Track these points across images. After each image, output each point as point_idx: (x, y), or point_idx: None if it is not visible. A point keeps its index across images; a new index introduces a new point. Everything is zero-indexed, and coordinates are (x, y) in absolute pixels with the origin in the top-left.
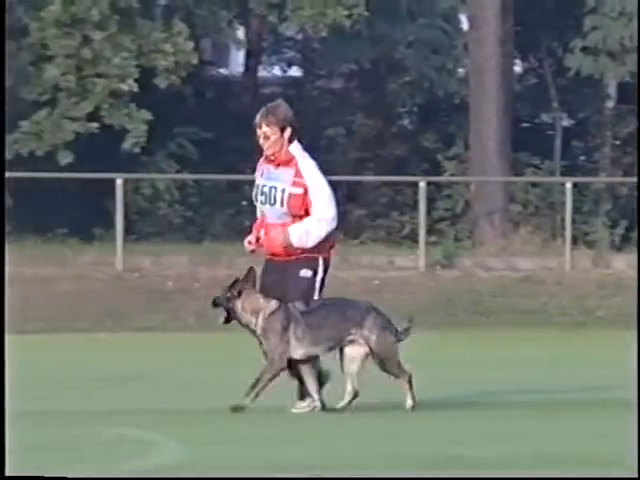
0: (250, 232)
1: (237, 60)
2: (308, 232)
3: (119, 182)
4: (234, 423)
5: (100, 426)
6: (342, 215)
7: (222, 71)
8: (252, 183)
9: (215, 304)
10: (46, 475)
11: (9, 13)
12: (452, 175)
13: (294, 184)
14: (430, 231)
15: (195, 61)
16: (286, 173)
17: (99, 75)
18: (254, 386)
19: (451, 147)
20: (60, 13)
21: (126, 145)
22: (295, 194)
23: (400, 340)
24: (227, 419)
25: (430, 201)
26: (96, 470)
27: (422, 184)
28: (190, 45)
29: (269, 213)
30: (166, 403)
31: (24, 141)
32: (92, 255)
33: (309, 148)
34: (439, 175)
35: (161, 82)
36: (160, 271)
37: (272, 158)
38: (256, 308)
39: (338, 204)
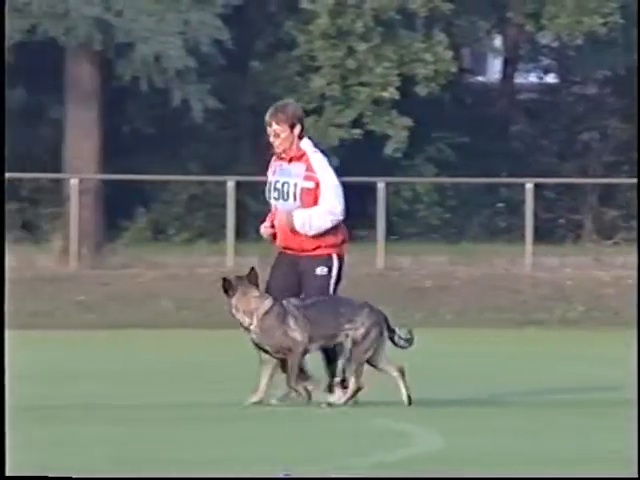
0: (264, 220)
1: (494, 68)
2: (312, 219)
3: (381, 185)
4: (492, 414)
5: (364, 418)
6: (597, 216)
7: (480, 78)
8: (509, 186)
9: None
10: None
11: (278, 27)
12: None
13: (306, 178)
14: None
15: (454, 69)
16: (298, 168)
17: (362, 84)
18: (288, 379)
19: None
20: (327, 26)
21: (387, 150)
22: (307, 188)
23: (394, 343)
24: (483, 410)
25: None
26: (366, 462)
27: None
28: (449, 54)
29: (283, 209)
30: (424, 395)
31: None
32: (355, 255)
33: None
34: None
35: (421, 90)
36: (419, 270)
37: (283, 155)
38: (249, 309)
39: (346, 200)
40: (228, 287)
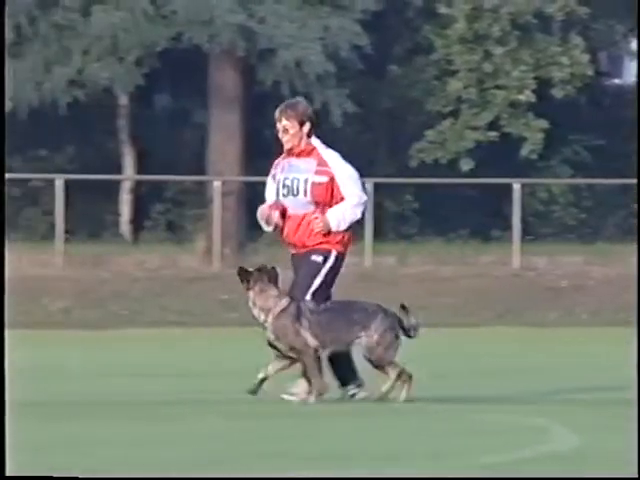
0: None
1: (631, 70)
2: (345, 215)
3: (516, 187)
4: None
5: (492, 414)
6: None
7: (616, 81)
8: None
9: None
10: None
11: (416, 32)
12: None
13: (318, 172)
14: None
15: (590, 72)
16: (308, 163)
17: (499, 87)
18: (309, 383)
19: None
20: (464, 30)
21: (523, 152)
22: (319, 182)
23: (408, 335)
24: (619, 410)
25: None
26: (508, 458)
27: None
28: (586, 57)
29: (292, 205)
30: (560, 393)
31: (429, 150)
32: (491, 255)
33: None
34: None
35: (557, 92)
36: (555, 270)
37: (293, 151)
38: (266, 306)
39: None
40: (246, 278)
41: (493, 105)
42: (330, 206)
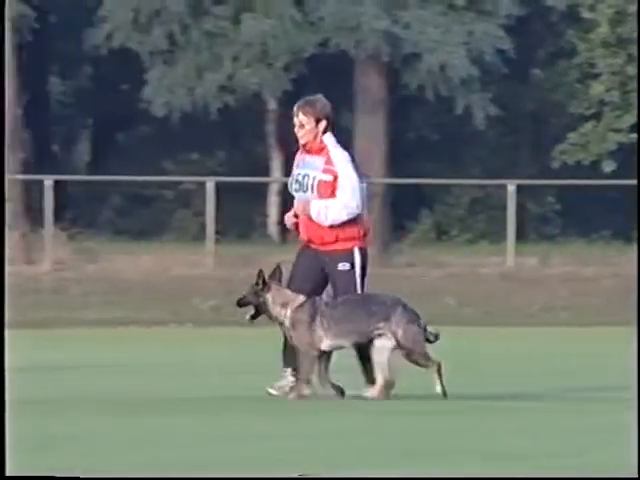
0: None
1: None
2: (328, 210)
3: None
4: None
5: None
6: None
7: None
8: None
9: (241, 304)
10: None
11: (559, 36)
12: None
13: (324, 171)
14: None
15: None
16: (318, 161)
17: None
18: (298, 379)
19: None
20: (607, 34)
21: None
22: (325, 181)
23: (427, 340)
24: None
25: None
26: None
27: None
28: None
29: (300, 198)
30: None
31: (571, 151)
32: (633, 256)
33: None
34: None
35: None
36: None
37: (307, 148)
38: (285, 301)
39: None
40: (263, 279)
41: (635, 107)
42: None
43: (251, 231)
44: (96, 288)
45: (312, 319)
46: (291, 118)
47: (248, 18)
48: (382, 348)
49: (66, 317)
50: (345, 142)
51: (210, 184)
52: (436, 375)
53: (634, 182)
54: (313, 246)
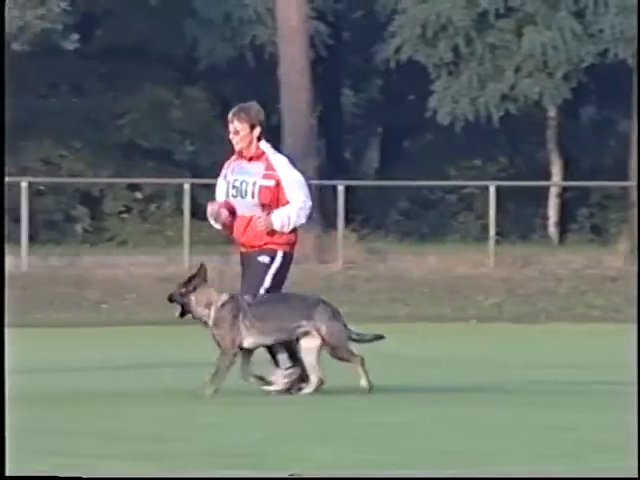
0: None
1: None
2: (290, 217)
3: None
4: None
5: None
6: None
7: None
8: None
9: (170, 300)
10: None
11: None
12: None
13: (265, 177)
14: None
15: None
16: (257, 167)
17: None
18: (214, 375)
19: None
20: None
21: None
22: (266, 186)
23: (351, 338)
24: None
25: None
26: None
27: None
28: None
29: (240, 206)
30: None
31: None
32: None
33: None
34: None
35: None
36: None
37: (243, 154)
38: (209, 301)
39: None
40: (190, 280)
41: None
42: (277, 208)
43: (530, 232)
44: (384, 286)
45: (235, 317)
46: (570, 124)
47: (530, 31)
48: (310, 348)
49: (355, 313)
50: (275, 145)
51: (492, 188)
52: (361, 369)
53: None
54: (243, 250)
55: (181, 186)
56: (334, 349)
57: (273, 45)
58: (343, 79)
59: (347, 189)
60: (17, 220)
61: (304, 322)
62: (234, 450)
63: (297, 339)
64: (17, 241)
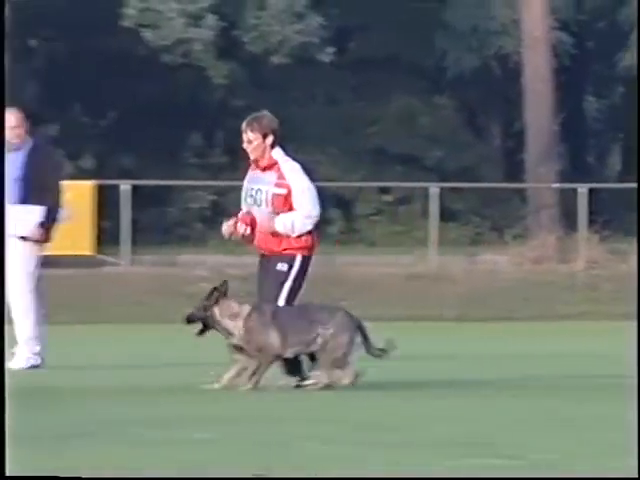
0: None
1: None
2: (293, 223)
3: None
4: None
5: None
6: None
7: None
8: None
9: (189, 320)
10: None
11: None
12: None
13: (277, 185)
14: None
15: None
16: (270, 176)
17: None
18: (253, 374)
19: None
20: None
21: None
22: (278, 194)
23: (372, 354)
24: None
25: None
26: None
27: None
28: None
29: (257, 214)
30: None
31: None
32: None
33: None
34: None
35: None
36: None
37: (258, 163)
38: (233, 312)
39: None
40: (212, 294)
41: None
42: None
43: None
44: (626, 285)
45: (264, 325)
46: None
47: None
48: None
49: (597, 311)
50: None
51: None
52: (344, 382)
53: None
54: (262, 252)
55: (428, 189)
56: (327, 354)
57: (517, 54)
58: (586, 86)
59: (590, 192)
60: None
61: (320, 330)
62: (469, 439)
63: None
64: None
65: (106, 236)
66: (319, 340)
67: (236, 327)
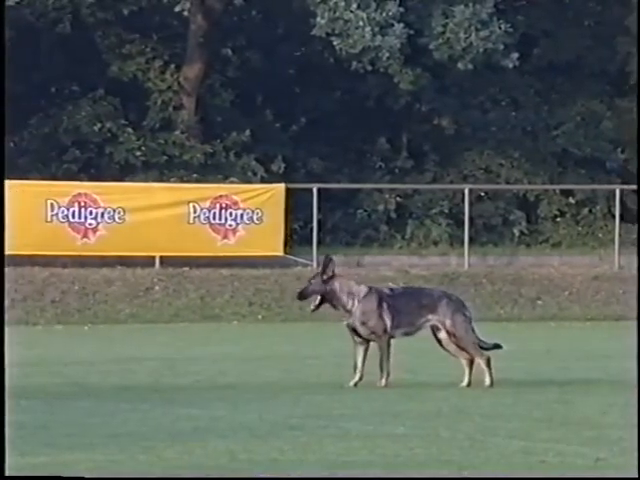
0: None
1: None
2: None
3: None
4: None
5: None
6: None
7: None
8: None
9: (303, 296)
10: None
11: None
12: None
13: None
14: None
15: None
16: None
17: None
18: (382, 367)
19: None
20: None
21: None
22: None
23: (481, 346)
24: None
25: None
26: None
27: None
28: None
29: None
30: None
31: None
32: None
33: None
34: None
35: None
36: None
37: None
38: (351, 291)
39: None
40: (332, 268)
41: None
42: None
43: None
44: None
45: (380, 306)
46: None
47: None
48: (445, 339)
49: None
50: None
51: None
52: (485, 366)
53: None
54: None
55: (612, 191)
56: (458, 339)
57: None
58: None
59: None
60: (460, 224)
61: (430, 316)
62: None
63: (435, 334)
64: (460, 242)
65: (294, 237)
66: (427, 324)
67: (353, 306)
